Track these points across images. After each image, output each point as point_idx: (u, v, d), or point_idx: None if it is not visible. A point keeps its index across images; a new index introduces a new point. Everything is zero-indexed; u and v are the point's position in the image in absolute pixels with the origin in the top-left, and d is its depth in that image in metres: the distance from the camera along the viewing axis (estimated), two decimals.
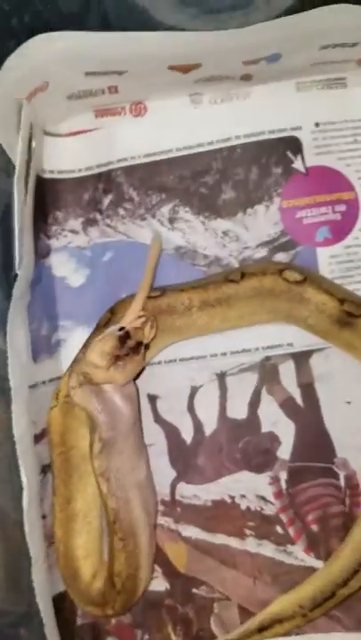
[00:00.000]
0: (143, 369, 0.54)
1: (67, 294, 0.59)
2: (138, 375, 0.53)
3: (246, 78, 0.55)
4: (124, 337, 0.50)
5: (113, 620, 0.57)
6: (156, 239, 0.55)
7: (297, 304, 0.52)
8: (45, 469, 0.56)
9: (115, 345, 0.49)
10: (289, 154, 0.56)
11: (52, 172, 0.59)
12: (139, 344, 0.50)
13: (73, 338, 0.58)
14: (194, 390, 0.57)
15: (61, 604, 0.56)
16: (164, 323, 0.53)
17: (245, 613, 0.55)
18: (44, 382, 0.56)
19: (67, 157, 0.59)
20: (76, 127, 0.59)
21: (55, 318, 0.58)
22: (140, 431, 0.55)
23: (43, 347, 0.57)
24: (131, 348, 0.50)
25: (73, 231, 0.59)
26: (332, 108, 0.56)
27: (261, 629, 0.53)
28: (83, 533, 0.54)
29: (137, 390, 0.54)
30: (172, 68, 0.52)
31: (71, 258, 0.59)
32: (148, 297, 0.53)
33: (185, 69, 0.52)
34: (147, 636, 0.56)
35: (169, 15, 0.48)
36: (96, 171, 0.59)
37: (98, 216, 0.59)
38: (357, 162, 0.56)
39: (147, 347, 0.51)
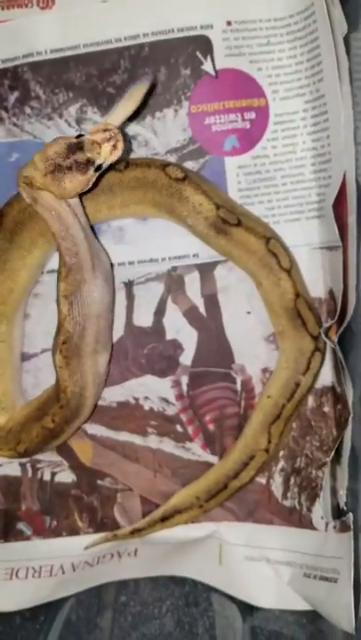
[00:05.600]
0: (84, 194, 0.49)
1: None
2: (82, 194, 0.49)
3: None
4: (75, 146, 0.45)
5: (23, 507, 0.61)
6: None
7: (177, 202, 0.53)
8: None
9: (60, 151, 0.45)
10: (198, 54, 0.54)
11: None
12: (89, 162, 0.45)
13: None
14: None
15: None
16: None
17: (146, 503, 0.60)
18: None
19: None
20: None
21: None
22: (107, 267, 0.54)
23: None
24: (77, 162, 0.45)
25: None
26: (247, 6, 0.53)
27: (164, 519, 0.58)
28: None
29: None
30: None
31: None
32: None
33: None
34: (55, 522, 0.61)
35: None
36: (1, 66, 0.56)
37: (4, 114, 0.57)
38: (270, 66, 0.54)
39: (99, 170, 0.46)
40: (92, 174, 0.46)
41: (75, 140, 0.45)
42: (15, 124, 0.57)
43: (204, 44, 0.54)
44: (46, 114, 0.56)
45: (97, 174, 0.47)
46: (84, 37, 0.55)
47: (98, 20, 0.54)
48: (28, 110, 0.56)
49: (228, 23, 0.54)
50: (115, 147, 0.45)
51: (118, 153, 0.45)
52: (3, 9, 0.55)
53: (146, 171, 0.53)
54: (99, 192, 0.53)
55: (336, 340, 0.53)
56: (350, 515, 0.52)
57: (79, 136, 0.45)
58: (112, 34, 0.54)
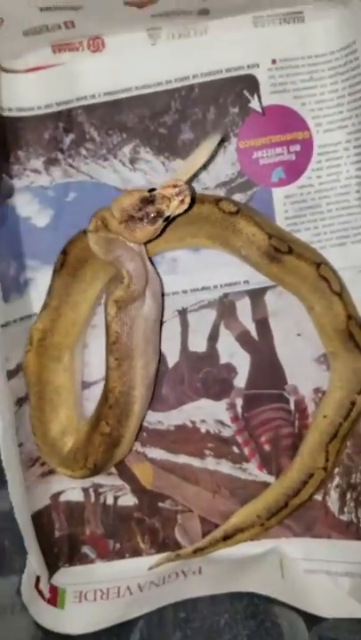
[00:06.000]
0: (154, 239, 0.52)
1: (32, 234, 0.60)
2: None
3: (203, 13, 0.54)
4: (147, 200, 0.48)
5: (87, 531, 0.63)
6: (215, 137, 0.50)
7: (231, 234, 0.55)
8: (21, 402, 0.60)
9: (134, 204, 0.48)
10: (246, 93, 0.57)
11: (10, 109, 0.59)
12: (159, 214, 0.48)
13: (41, 277, 0.60)
14: None
15: (40, 519, 0.62)
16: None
17: (206, 523, 0.62)
18: (15, 321, 0.59)
19: (25, 95, 0.58)
20: (34, 63, 0.58)
21: (22, 258, 0.60)
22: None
23: (12, 286, 0.59)
24: (148, 214, 0.48)
25: (35, 171, 0.60)
26: (289, 44, 0.56)
27: (226, 538, 0.60)
28: (64, 449, 0.59)
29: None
30: (127, 3, 0.51)
31: (34, 198, 0.60)
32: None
33: (140, 4, 0.52)
34: (118, 545, 0.63)
35: None
36: (56, 109, 0.59)
37: (60, 155, 0.59)
38: (313, 100, 0.57)
39: (167, 220, 0.49)
40: (160, 224, 0.49)
41: (147, 195, 0.48)
42: (71, 165, 0.59)
43: (251, 83, 0.57)
44: (101, 155, 0.59)
45: (164, 224, 0.50)
46: (135, 80, 0.57)
47: (148, 62, 0.57)
48: (83, 152, 0.59)
49: (274, 61, 0.56)
50: (182, 201, 0.48)
51: (185, 206, 0.48)
52: (55, 52, 0.58)
53: (200, 206, 0.55)
54: None
55: None
56: None
57: (151, 190, 0.49)
58: (162, 76, 0.57)
